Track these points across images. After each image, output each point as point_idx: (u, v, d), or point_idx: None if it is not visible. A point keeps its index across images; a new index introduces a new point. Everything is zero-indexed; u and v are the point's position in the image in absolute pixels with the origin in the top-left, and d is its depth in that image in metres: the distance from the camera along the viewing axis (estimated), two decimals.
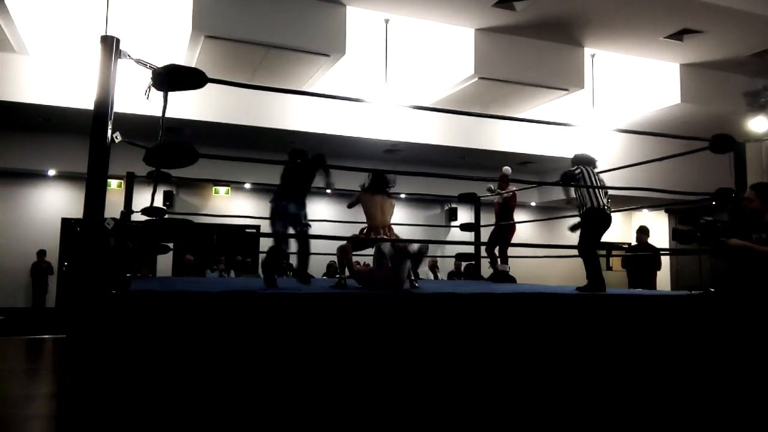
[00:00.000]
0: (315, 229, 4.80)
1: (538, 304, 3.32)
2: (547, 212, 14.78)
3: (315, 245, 4.58)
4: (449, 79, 9.18)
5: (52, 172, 11.63)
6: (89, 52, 8.26)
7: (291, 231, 4.39)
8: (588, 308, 3.44)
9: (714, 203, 4.23)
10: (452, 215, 14.45)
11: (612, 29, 8.76)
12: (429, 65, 9.33)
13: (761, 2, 8.03)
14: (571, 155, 4.86)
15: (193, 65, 7.68)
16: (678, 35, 8.79)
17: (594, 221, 4.37)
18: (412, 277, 4.47)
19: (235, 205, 13.05)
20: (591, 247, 4.41)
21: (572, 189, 4.64)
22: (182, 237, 2.96)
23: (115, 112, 2.71)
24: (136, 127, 5.07)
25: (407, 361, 2.92)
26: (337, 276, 4.53)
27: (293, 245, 4.59)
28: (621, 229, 15.56)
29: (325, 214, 11.15)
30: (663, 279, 9.94)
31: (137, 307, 2.55)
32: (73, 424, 2.39)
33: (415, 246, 4.08)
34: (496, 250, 6.81)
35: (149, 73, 2.89)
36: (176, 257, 11.54)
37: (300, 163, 4.38)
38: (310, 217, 4.51)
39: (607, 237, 4.71)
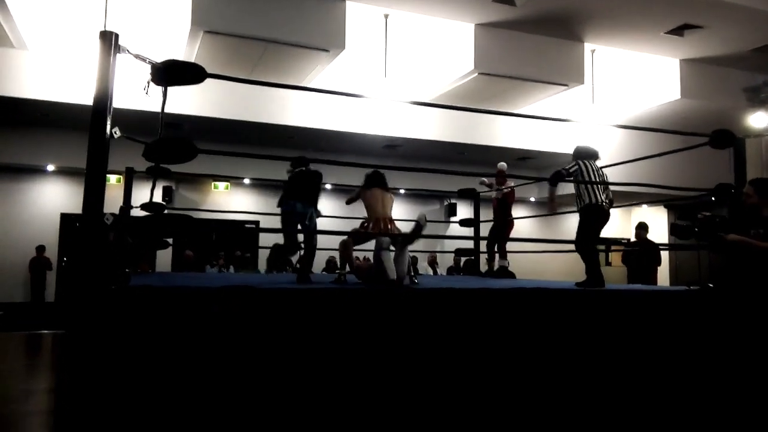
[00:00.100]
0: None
1: (537, 299, 3.32)
2: (546, 208, 14.76)
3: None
4: (449, 74, 9.17)
5: (51, 168, 11.62)
6: (88, 48, 8.24)
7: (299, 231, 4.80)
8: (587, 304, 3.44)
9: (713, 199, 4.23)
10: (451, 211, 14.44)
11: (612, 24, 8.74)
12: (428, 60, 9.32)
13: None
14: (570, 151, 4.85)
15: (192, 60, 7.66)
16: (678, 30, 8.78)
17: (591, 217, 4.37)
18: (412, 273, 4.47)
19: (235, 200, 13.04)
20: (589, 243, 4.42)
21: (557, 191, 4.67)
22: (182, 232, 2.96)
23: (114, 108, 2.71)
24: (135, 122, 5.07)
25: (406, 356, 2.93)
26: (337, 271, 4.55)
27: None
28: (620, 225, 15.55)
29: (325, 210, 11.13)
30: (662, 274, 9.93)
31: (136, 303, 2.56)
32: (72, 419, 2.39)
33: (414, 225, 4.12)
34: (495, 247, 6.82)
35: (148, 69, 2.89)
36: (176, 253, 11.54)
37: (303, 171, 4.85)
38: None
39: (606, 233, 4.71)
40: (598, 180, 4.43)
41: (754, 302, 3.73)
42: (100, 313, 2.46)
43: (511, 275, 6.81)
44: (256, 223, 12.64)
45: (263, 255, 11.63)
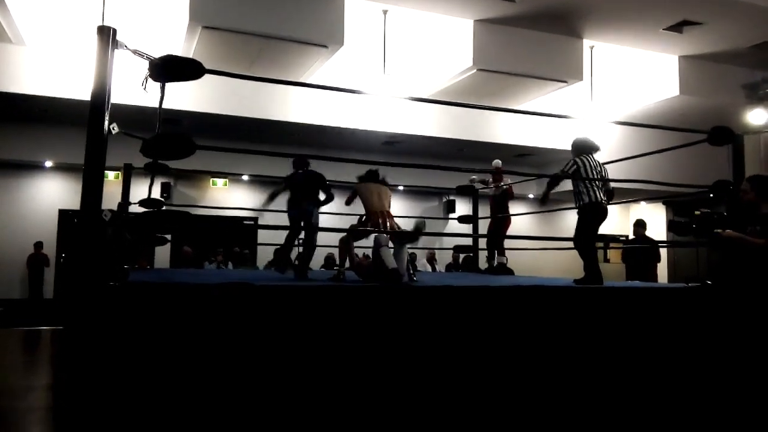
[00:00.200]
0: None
1: (535, 296, 3.32)
2: (545, 204, 14.77)
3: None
4: (448, 70, 9.16)
5: (49, 164, 11.60)
6: (86, 43, 8.22)
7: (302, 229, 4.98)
8: (585, 301, 3.44)
9: (712, 196, 4.23)
10: (450, 207, 14.45)
11: (611, 21, 8.74)
12: (427, 57, 9.30)
13: None
14: (569, 148, 4.82)
15: (191, 56, 7.64)
16: (677, 27, 8.77)
17: (589, 215, 4.36)
18: (411, 270, 4.48)
19: (233, 196, 13.03)
20: (588, 240, 4.41)
21: (554, 188, 4.67)
22: (180, 229, 2.96)
23: (112, 103, 2.70)
24: (133, 118, 5.05)
25: (405, 353, 2.93)
26: (336, 268, 4.55)
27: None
28: (618, 222, 15.58)
29: (324, 207, 11.13)
30: (660, 271, 9.95)
31: (135, 299, 2.55)
32: (71, 416, 2.39)
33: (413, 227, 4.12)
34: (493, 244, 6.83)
35: (146, 64, 2.88)
36: (174, 249, 11.54)
37: (306, 173, 5.02)
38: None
39: (605, 230, 4.71)
40: (597, 176, 4.42)
41: (751, 299, 3.73)
42: (99, 310, 2.46)
43: (510, 272, 6.83)
44: (255, 219, 12.65)
45: (262, 251, 11.64)
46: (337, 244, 4.47)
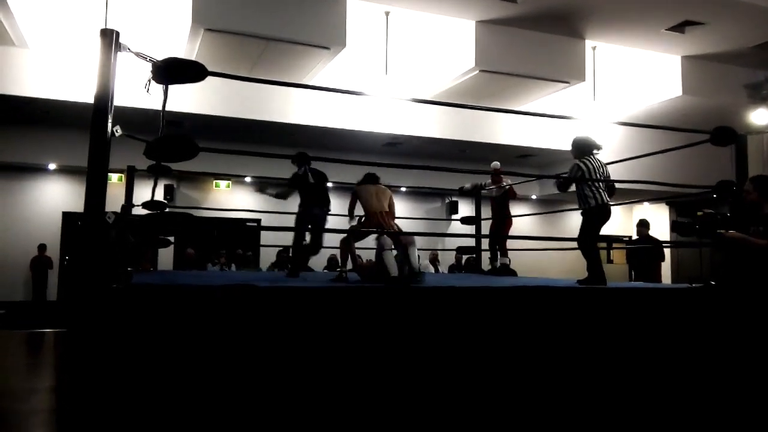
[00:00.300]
0: None
1: (538, 297, 3.31)
2: (548, 205, 14.77)
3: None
4: (450, 71, 9.16)
5: (52, 166, 11.62)
6: (89, 46, 8.23)
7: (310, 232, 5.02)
8: (589, 301, 3.44)
9: (715, 196, 4.22)
10: (453, 208, 14.44)
11: (613, 21, 8.73)
12: (429, 58, 9.30)
13: None
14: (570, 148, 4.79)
15: (193, 58, 7.64)
16: (679, 27, 8.76)
17: (595, 217, 4.36)
18: (418, 271, 4.47)
19: (236, 198, 13.04)
20: (592, 241, 4.41)
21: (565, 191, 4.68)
22: (183, 231, 2.96)
23: (115, 106, 2.71)
24: (136, 120, 5.07)
25: (408, 354, 2.93)
26: (338, 269, 4.57)
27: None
28: (622, 222, 15.55)
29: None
30: (664, 271, 9.94)
31: (138, 301, 2.56)
32: (73, 418, 2.39)
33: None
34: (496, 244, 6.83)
35: (149, 67, 2.88)
36: (177, 251, 11.54)
37: (313, 173, 5.05)
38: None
39: (608, 230, 4.70)
40: (600, 176, 4.41)
41: (754, 299, 3.72)
42: (102, 312, 2.46)
43: (513, 273, 6.82)
44: (258, 221, 12.66)
45: (265, 253, 11.64)
46: (338, 245, 4.49)
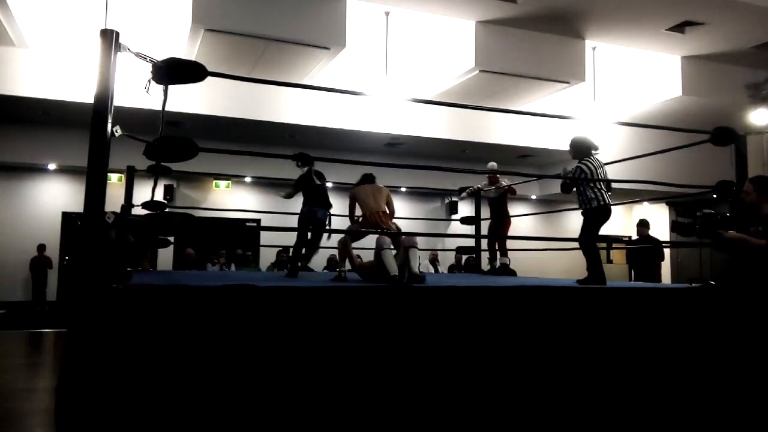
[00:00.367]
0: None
1: (538, 297, 3.31)
2: (548, 205, 14.78)
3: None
4: (450, 71, 9.16)
5: (52, 166, 11.62)
6: (89, 46, 8.24)
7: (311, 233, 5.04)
8: (589, 301, 3.44)
9: (715, 196, 4.22)
10: (453, 209, 14.44)
11: (613, 21, 8.73)
12: (429, 58, 9.31)
13: None
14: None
15: (193, 58, 7.65)
16: (680, 27, 8.76)
17: (596, 218, 4.36)
18: (419, 271, 4.47)
19: (236, 198, 13.05)
20: (592, 241, 4.41)
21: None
22: (183, 231, 2.96)
23: (115, 106, 2.70)
24: (136, 120, 5.07)
25: (408, 354, 2.92)
26: (338, 270, 4.58)
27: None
28: (622, 222, 15.56)
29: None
30: (664, 271, 9.94)
31: (138, 301, 2.55)
32: (73, 418, 2.39)
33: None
34: (495, 245, 6.83)
35: (149, 67, 2.88)
36: (177, 251, 11.55)
37: (316, 174, 5.10)
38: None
39: (608, 230, 4.70)
40: (600, 176, 4.41)
41: (754, 299, 3.72)
42: (102, 312, 2.46)
43: (512, 273, 6.82)
44: (258, 221, 12.67)
45: (264, 253, 11.65)
46: (336, 245, 4.51)
